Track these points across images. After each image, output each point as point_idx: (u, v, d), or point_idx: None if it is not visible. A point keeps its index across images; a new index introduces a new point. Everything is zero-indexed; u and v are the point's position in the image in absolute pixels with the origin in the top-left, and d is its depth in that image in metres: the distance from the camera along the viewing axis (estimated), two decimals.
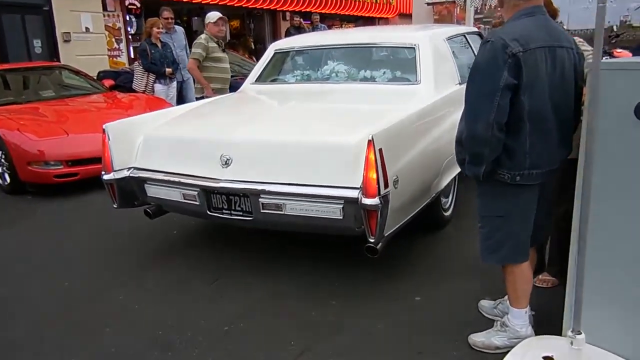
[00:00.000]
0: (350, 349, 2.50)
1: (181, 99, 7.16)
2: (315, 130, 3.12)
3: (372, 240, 2.65)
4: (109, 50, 11.01)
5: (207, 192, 3.05)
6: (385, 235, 2.69)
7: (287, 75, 4.39)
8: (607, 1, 1.76)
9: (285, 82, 4.32)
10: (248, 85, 4.40)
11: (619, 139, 1.92)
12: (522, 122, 2.05)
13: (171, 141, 3.36)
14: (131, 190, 3.37)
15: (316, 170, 2.80)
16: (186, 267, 3.42)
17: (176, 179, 3.14)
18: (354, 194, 2.63)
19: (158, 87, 6.90)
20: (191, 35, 8.73)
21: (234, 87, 5.47)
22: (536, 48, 2.01)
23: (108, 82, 7.36)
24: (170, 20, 7.25)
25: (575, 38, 2.29)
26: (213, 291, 3.10)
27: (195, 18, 13.89)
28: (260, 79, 4.39)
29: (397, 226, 2.82)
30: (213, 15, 5.72)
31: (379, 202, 2.54)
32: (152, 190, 3.31)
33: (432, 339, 2.53)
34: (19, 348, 2.63)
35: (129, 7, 11.54)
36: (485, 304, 2.71)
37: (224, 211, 3.06)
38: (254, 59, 10.53)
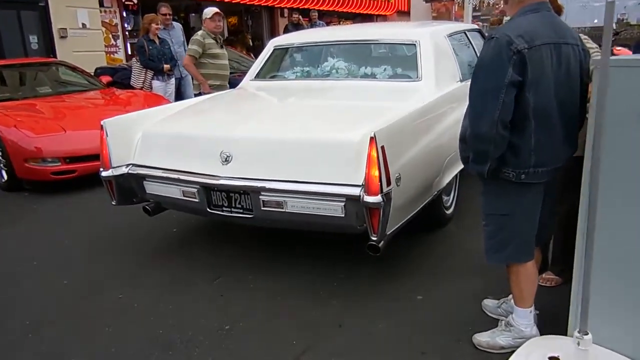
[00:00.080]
0: (352, 349, 2.47)
1: (179, 96, 7.12)
2: (316, 127, 3.09)
3: (374, 239, 2.63)
4: (106, 46, 10.94)
5: (207, 189, 3.02)
6: (388, 233, 2.66)
7: (286, 72, 4.36)
8: None
9: (285, 78, 4.29)
10: (247, 81, 4.37)
11: (627, 136, 1.90)
12: (527, 120, 2.02)
13: (170, 137, 3.33)
14: (130, 187, 3.34)
15: (317, 168, 2.77)
16: (186, 265, 3.39)
17: (175, 176, 3.11)
18: (355, 191, 2.60)
19: (156, 83, 6.86)
20: (189, 32, 8.68)
21: (232, 84, 5.44)
22: (541, 45, 1.99)
23: (105, 79, 7.31)
24: (168, 17, 7.20)
25: (580, 35, 2.26)
26: (213, 290, 3.07)
27: (193, 14, 13.82)
28: (259, 76, 4.36)
29: (399, 224, 2.79)
30: (209, 11, 5.69)
31: (382, 199, 2.51)
32: (151, 187, 3.28)
33: (435, 339, 2.51)
34: (18, 348, 2.60)
35: (126, 3, 11.47)
36: (488, 303, 2.69)
37: (224, 209, 3.03)
38: (252, 55, 10.49)
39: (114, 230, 4.05)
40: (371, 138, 2.48)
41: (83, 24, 10.38)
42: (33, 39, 9.79)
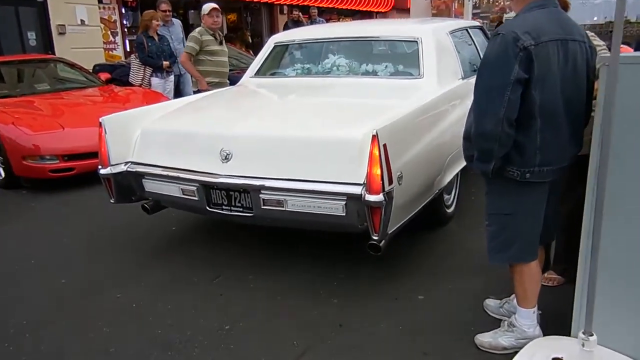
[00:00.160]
0: (353, 350, 2.45)
1: (178, 93, 7.08)
2: (317, 124, 3.06)
3: (375, 238, 2.60)
4: (104, 43, 10.90)
5: (207, 188, 2.99)
6: (389, 232, 2.63)
7: (287, 69, 4.32)
8: None
9: (286, 75, 4.26)
10: (247, 78, 4.34)
11: (635, 134, 1.87)
12: (533, 118, 1.99)
13: (169, 135, 3.30)
14: (128, 185, 3.31)
15: (318, 166, 2.74)
16: (185, 264, 3.36)
17: (174, 174, 3.07)
18: (357, 190, 2.57)
19: (155, 80, 6.81)
20: (188, 29, 8.64)
21: (232, 81, 5.41)
22: (548, 41, 1.95)
23: (104, 76, 7.27)
24: (168, 13, 7.16)
25: (587, 32, 2.23)
26: (213, 289, 3.04)
27: (192, 11, 13.76)
28: (259, 73, 4.32)
29: (400, 223, 2.76)
30: (206, 7, 5.65)
31: (383, 198, 2.48)
32: (150, 185, 3.24)
33: (437, 339, 2.48)
34: (17, 348, 2.57)
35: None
36: (490, 303, 2.66)
37: (224, 207, 3.00)
38: (251, 52, 10.45)
39: (112, 228, 4.02)
40: (373, 136, 2.45)
41: (82, 21, 10.33)
42: (31, 36, 9.74)
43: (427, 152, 3.00)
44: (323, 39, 4.31)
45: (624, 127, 1.87)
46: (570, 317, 2.17)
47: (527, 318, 2.28)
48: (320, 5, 15.43)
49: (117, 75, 7.81)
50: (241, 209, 2.95)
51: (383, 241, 2.62)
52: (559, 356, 2.03)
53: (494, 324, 2.48)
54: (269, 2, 14.78)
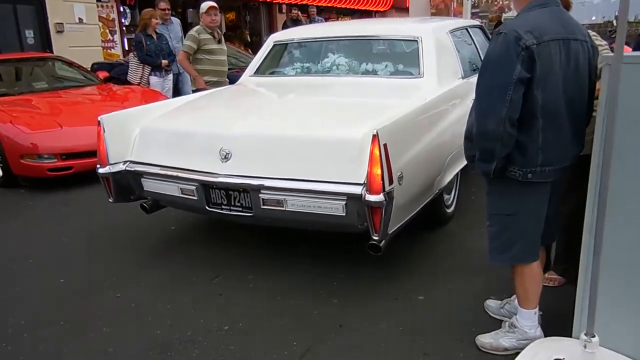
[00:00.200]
0: (353, 350, 2.44)
1: (177, 92, 7.06)
2: (317, 124, 3.05)
3: (375, 238, 2.59)
4: (102, 41, 10.86)
5: (206, 187, 2.98)
6: (389, 232, 2.63)
7: (286, 68, 4.31)
8: None
9: (285, 74, 4.24)
10: (247, 77, 4.32)
11: (637, 134, 1.86)
12: (535, 117, 1.98)
13: (169, 134, 3.28)
14: (127, 185, 3.30)
15: (318, 166, 2.73)
16: (184, 264, 3.35)
17: (174, 173, 3.06)
18: (357, 190, 2.57)
19: (154, 79, 6.79)
20: (186, 27, 8.61)
21: (231, 80, 5.39)
22: (550, 40, 1.94)
23: (102, 74, 7.24)
24: (167, 11, 7.14)
25: (589, 31, 2.22)
26: (213, 289, 3.03)
27: (190, 10, 13.72)
28: (259, 72, 4.31)
29: (400, 223, 2.75)
30: (204, 5, 5.64)
31: (384, 198, 2.47)
32: (149, 185, 3.23)
33: (437, 340, 2.47)
34: (15, 348, 2.56)
35: None
36: (491, 303, 2.65)
37: (223, 207, 2.99)
38: (250, 51, 10.42)
39: (111, 228, 4.01)
40: (374, 136, 2.44)
41: (80, 19, 10.30)
42: (29, 34, 9.70)
43: (427, 152, 2.99)
44: (322, 38, 4.30)
45: (625, 126, 1.86)
46: (571, 317, 2.16)
47: (528, 319, 2.27)
48: (319, 4, 15.40)
49: (116, 73, 7.78)
50: (241, 209, 2.94)
51: (383, 241, 2.61)
52: (561, 357, 2.02)
53: (495, 324, 2.47)
54: (268, 0, 14.75)
